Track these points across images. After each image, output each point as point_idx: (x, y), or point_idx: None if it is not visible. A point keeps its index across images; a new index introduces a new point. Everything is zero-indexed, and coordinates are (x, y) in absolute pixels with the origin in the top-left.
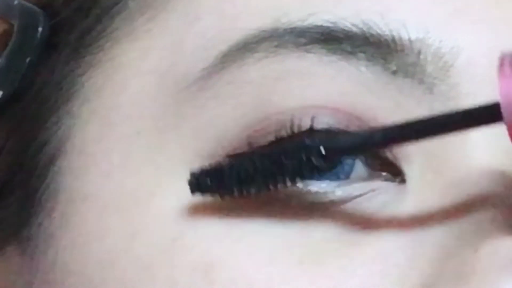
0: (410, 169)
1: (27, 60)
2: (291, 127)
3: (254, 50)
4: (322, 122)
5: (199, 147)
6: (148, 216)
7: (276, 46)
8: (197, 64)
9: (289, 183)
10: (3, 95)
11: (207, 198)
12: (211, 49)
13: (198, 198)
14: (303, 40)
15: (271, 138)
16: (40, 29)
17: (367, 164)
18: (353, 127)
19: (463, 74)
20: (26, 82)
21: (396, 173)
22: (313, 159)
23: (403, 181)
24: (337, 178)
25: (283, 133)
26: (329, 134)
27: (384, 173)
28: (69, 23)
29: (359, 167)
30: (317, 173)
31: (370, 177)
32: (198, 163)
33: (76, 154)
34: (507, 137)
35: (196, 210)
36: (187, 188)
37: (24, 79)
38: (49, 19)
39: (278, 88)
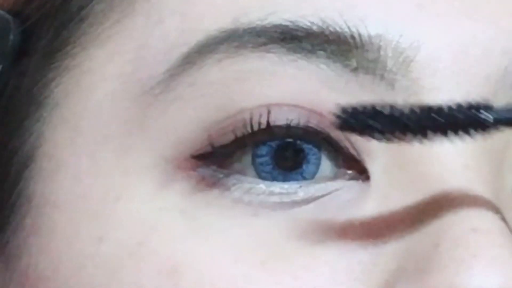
0: (374, 166)
1: None
2: (250, 125)
3: (214, 51)
4: (281, 119)
5: (164, 149)
6: (115, 220)
7: (236, 47)
8: (159, 67)
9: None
10: None
11: (170, 201)
12: (173, 51)
13: (162, 201)
14: (262, 39)
15: (231, 137)
16: (11, 36)
17: (333, 162)
18: (313, 123)
19: (425, 69)
20: None
21: (361, 171)
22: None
23: (367, 178)
24: (302, 178)
25: (243, 131)
26: (289, 129)
27: (349, 171)
28: (38, 30)
29: (325, 166)
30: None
31: (335, 176)
32: (162, 166)
33: (46, 160)
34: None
35: (160, 214)
36: (152, 192)
37: None
38: (20, 26)
39: (238, 88)
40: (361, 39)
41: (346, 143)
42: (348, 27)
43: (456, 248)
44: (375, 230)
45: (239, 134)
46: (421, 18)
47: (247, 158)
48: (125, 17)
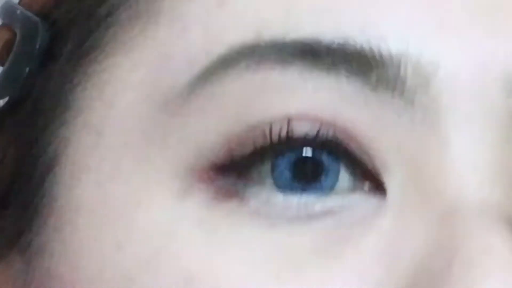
0: (391, 180)
1: (27, 69)
2: (270, 136)
3: (236, 64)
4: (301, 131)
5: (184, 159)
6: (134, 227)
7: (258, 61)
8: (182, 78)
9: None
10: (4, 103)
11: (189, 211)
12: (195, 63)
13: (182, 210)
14: (284, 55)
15: (251, 148)
16: (39, 39)
17: (351, 175)
18: (332, 135)
19: (444, 87)
20: (25, 91)
21: (378, 185)
22: None
23: (384, 192)
24: (321, 190)
25: (262, 143)
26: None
27: (366, 185)
28: (66, 34)
29: (343, 179)
30: None
31: (353, 189)
32: (182, 175)
33: (69, 165)
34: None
35: (179, 223)
36: (171, 201)
37: (23, 88)
38: (48, 29)
39: (259, 100)
40: (381, 57)
41: (364, 156)
42: (369, 44)
43: (469, 268)
44: (390, 246)
45: (258, 145)
46: (441, 36)
47: (267, 170)
48: (150, 26)
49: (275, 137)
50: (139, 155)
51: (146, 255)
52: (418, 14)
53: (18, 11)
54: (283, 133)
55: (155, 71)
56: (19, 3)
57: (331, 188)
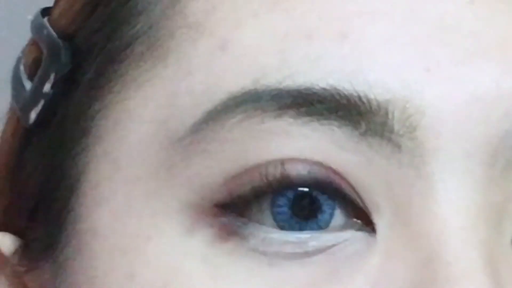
0: (380, 220)
1: (50, 89)
2: (266, 176)
3: (235, 110)
4: (294, 170)
5: (189, 196)
6: (145, 260)
7: (255, 108)
8: (187, 119)
9: None
10: (32, 121)
11: (194, 247)
12: (199, 106)
13: (187, 246)
14: (278, 103)
15: (248, 187)
16: (62, 61)
17: (343, 213)
18: (324, 175)
19: (429, 132)
20: (50, 111)
21: (368, 223)
22: None
23: (373, 230)
24: (318, 227)
25: (259, 183)
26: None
27: (358, 222)
28: (87, 59)
29: (338, 216)
30: None
31: (345, 226)
32: (188, 212)
33: (90, 189)
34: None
35: (184, 258)
36: (179, 236)
37: (49, 108)
38: (71, 54)
39: (256, 145)
40: (369, 104)
41: (355, 196)
42: (357, 93)
43: None
44: (377, 285)
45: (256, 185)
46: (427, 82)
47: (266, 208)
48: (159, 64)
49: (270, 177)
50: (149, 189)
51: (155, 287)
52: (405, 60)
53: (45, 31)
54: (277, 174)
55: (163, 109)
56: (48, 17)
57: (327, 225)
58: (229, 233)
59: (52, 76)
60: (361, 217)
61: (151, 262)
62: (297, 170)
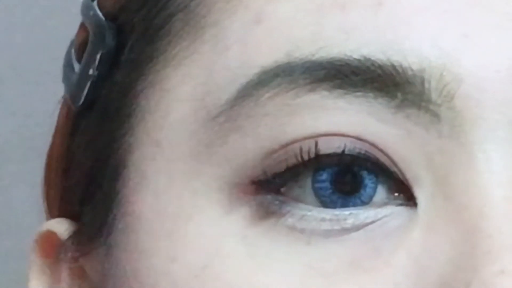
0: (421, 193)
1: (96, 71)
2: (300, 155)
3: (269, 85)
4: (330, 148)
5: (227, 175)
6: (186, 241)
7: (289, 82)
8: (223, 96)
9: None
10: (79, 105)
11: (233, 227)
12: (234, 81)
13: (227, 226)
14: (313, 75)
15: (284, 166)
16: (106, 43)
17: (385, 187)
18: (363, 149)
19: (468, 101)
20: (96, 94)
21: (409, 197)
22: None
23: (415, 205)
24: (361, 202)
25: (294, 161)
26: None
27: (399, 197)
28: (129, 41)
29: (379, 190)
30: None
31: (387, 201)
32: (227, 191)
33: (133, 171)
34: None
35: (224, 238)
36: (218, 216)
37: (95, 90)
38: (115, 34)
39: (291, 120)
40: (405, 74)
41: (395, 169)
42: (391, 62)
43: None
44: (418, 262)
45: (290, 164)
46: (465, 48)
47: (307, 184)
48: (197, 40)
49: (305, 156)
50: (189, 169)
51: (195, 269)
52: (441, 26)
53: (91, 12)
54: (312, 153)
55: (201, 86)
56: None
57: (370, 200)
58: (267, 211)
59: (97, 57)
60: (402, 190)
61: (191, 243)
62: (333, 148)
